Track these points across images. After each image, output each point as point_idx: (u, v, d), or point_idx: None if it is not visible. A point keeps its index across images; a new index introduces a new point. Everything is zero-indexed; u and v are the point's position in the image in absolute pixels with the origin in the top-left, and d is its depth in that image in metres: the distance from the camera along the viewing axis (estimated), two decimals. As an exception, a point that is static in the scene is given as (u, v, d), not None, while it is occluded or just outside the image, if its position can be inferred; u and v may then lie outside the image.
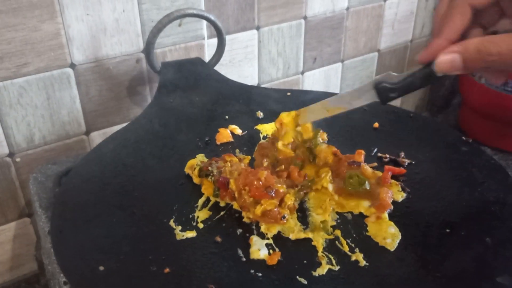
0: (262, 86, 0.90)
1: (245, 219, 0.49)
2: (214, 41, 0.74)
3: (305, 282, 0.42)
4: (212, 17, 0.70)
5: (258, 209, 0.48)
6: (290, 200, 0.49)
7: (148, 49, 0.68)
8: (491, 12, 0.43)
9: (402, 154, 0.58)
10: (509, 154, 1.02)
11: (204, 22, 0.76)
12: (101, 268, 0.42)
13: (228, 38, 0.79)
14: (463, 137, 0.60)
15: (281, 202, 0.49)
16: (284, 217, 0.48)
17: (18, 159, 0.69)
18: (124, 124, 0.66)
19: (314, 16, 0.90)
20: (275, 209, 0.48)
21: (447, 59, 0.40)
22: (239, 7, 0.80)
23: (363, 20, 0.97)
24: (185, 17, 0.70)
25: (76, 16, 0.65)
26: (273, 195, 0.48)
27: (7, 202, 0.71)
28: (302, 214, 0.50)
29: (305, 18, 0.89)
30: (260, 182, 0.49)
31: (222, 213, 0.50)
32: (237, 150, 0.61)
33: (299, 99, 0.71)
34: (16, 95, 0.65)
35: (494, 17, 0.44)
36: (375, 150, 0.60)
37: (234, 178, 0.51)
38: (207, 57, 0.79)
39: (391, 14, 1.01)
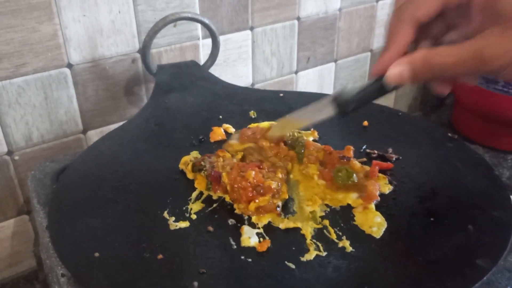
0: (256, 85, 0.92)
1: (236, 211, 0.51)
2: (209, 41, 0.76)
3: (293, 267, 0.43)
4: (206, 21, 0.72)
5: (252, 206, 0.50)
6: (280, 173, 0.52)
7: (145, 52, 0.70)
8: (439, 25, 0.44)
9: (390, 150, 0.60)
10: (501, 152, 1.04)
11: (199, 23, 0.78)
12: (96, 254, 0.44)
13: (222, 38, 0.81)
14: (449, 134, 0.62)
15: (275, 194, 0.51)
16: (278, 206, 0.50)
17: (16, 157, 0.71)
18: (121, 123, 0.68)
19: (307, 17, 0.92)
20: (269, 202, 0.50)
21: (396, 72, 0.42)
22: (233, 8, 0.82)
23: (355, 21, 0.99)
24: (180, 20, 0.72)
25: (73, 18, 0.67)
26: (262, 192, 0.50)
27: (6, 199, 0.72)
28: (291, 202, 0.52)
29: (298, 19, 0.91)
30: (249, 183, 0.50)
31: (214, 205, 0.52)
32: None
33: (291, 100, 0.73)
34: (14, 95, 0.67)
35: (442, 29, 0.45)
36: (364, 147, 0.61)
37: (226, 172, 0.53)
38: (202, 57, 0.81)
39: (383, 14, 1.03)
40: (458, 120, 1.12)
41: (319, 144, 0.60)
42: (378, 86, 0.45)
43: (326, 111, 0.49)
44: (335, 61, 1.01)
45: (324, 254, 0.45)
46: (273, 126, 0.60)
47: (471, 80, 0.46)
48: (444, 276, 0.41)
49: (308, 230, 0.48)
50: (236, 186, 0.51)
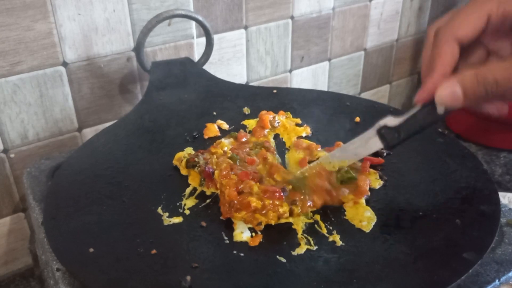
0: (251, 84, 0.92)
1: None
2: (203, 40, 0.77)
3: (284, 261, 0.44)
4: (200, 18, 0.73)
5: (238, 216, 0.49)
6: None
7: (139, 49, 0.71)
8: (478, 51, 0.44)
9: (381, 146, 0.61)
10: (493, 149, 1.05)
11: (193, 22, 0.79)
12: (91, 250, 0.45)
13: (216, 37, 0.82)
14: (439, 129, 0.63)
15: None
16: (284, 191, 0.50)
17: (12, 155, 0.71)
18: (116, 121, 0.68)
19: (301, 16, 0.92)
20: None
21: (448, 93, 0.40)
22: (227, 7, 0.83)
23: (349, 20, 1.00)
24: (174, 17, 0.73)
25: (68, 16, 0.68)
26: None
27: (2, 197, 0.73)
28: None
29: (292, 18, 0.91)
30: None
31: (208, 200, 0.53)
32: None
33: (284, 96, 0.74)
34: (10, 93, 0.67)
35: (482, 56, 0.44)
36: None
37: (219, 170, 0.53)
38: (196, 56, 0.81)
39: (376, 14, 1.04)
40: (451, 118, 1.13)
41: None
42: (426, 112, 0.43)
43: (370, 145, 0.48)
44: (329, 60, 1.02)
45: (315, 248, 0.46)
46: (320, 163, 0.54)
47: None
48: (432, 269, 0.42)
49: (299, 225, 0.48)
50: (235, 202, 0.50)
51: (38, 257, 0.66)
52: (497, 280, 0.47)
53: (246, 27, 0.86)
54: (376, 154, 0.60)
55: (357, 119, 0.67)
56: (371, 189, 0.53)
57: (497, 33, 0.42)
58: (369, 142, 0.47)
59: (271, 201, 0.48)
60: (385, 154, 0.59)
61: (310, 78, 1.01)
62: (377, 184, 0.54)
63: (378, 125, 0.46)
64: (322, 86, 1.04)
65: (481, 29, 0.41)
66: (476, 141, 1.06)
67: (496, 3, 0.40)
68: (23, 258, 0.79)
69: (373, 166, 0.57)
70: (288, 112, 0.68)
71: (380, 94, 1.17)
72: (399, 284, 0.42)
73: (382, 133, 0.46)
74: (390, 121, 0.45)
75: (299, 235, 0.47)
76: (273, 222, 0.48)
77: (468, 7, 0.42)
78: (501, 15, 0.40)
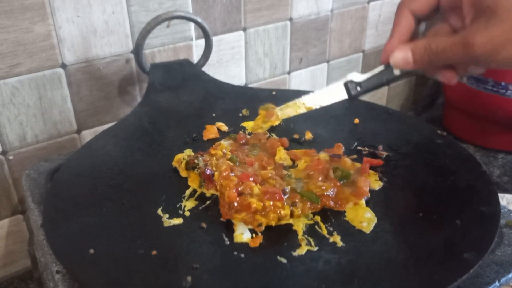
0: (249, 86, 0.92)
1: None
2: (202, 42, 0.77)
3: (285, 261, 0.44)
4: (198, 19, 0.73)
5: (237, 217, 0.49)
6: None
7: (137, 50, 0.71)
8: (442, 24, 0.49)
9: (381, 147, 0.61)
10: (491, 151, 1.06)
11: (192, 24, 0.79)
12: (91, 251, 0.44)
13: (215, 39, 0.82)
14: (438, 131, 0.63)
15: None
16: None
17: (11, 157, 0.71)
18: (115, 123, 0.68)
19: (299, 18, 0.93)
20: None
21: (400, 56, 0.47)
22: (225, 9, 0.83)
23: (347, 22, 1.01)
24: (173, 19, 0.73)
25: (67, 18, 0.68)
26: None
27: (0, 199, 0.73)
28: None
29: (290, 19, 0.92)
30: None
31: (208, 202, 0.53)
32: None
33: (283, 98, 0.74)
34: (8, 95, 0.67)
35: (447, 29, 0.49)
36: (355, 144, 0.62)
37: (219, 171, 0.53)
38: (195, 58, 0.82)
39: (374, 15, 1.05)
40: (449, 119, 1.14)
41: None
42: (385, 72, 0.50)
43: (337, 95, 0.53)
44: (328, 61, 1.02)
45: (315, 249, 0.46)
46: (284, 107, 0.60)
47: (463, 70, 0.48)
48: (432, 269, 0.42)
49: (300, 226, 0.48)
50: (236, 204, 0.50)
51: (37, 259, 0.66)
52: (497, 282, 0.47)
53: (244, 29, 0.87)
54: (375, 155, 0.60)
55: (356, 120, 0.67)
56: (371, 191, 0.53)
57: (452, 9, 0.47)
58: (335, 92, 0.53)
59: (271, 203, 0.48)
60: (384, 156, 0.59)
61: (309, 79, 1.01)
62: (377, 185, 0.54)
63: (345, 78, 0.52)
64: (321, 87, 1.04)
65: (434, 5, 0.48)
66: (474, 142, 1.07)
67: None
68: (21, 261, 0.78)
69: (372, 168, 0.57)
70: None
71: (378, 96, 1.18)
72: (399, 285, 0.42)
73: (347, 86, 0.52)
74: (356, 76, 0.52)
75: (300, 236, 0.47)
76: (273, 223, 0.48)
77: None
78: None
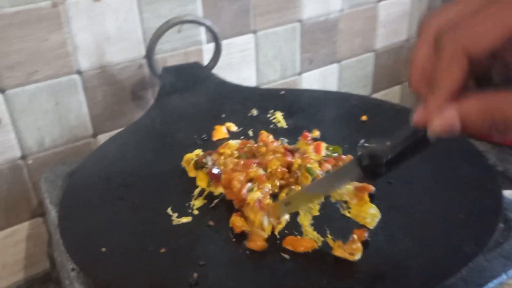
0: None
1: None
2: (212, 46, 0.78)
3: (288, 257, 0.45)
4: (208, 23, 0.75)
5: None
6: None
7: (149, 55, 0.73)
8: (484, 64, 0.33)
9: (388, 143, 0.61)
10: (508, 148, 1.04)
11: (202, 28, 0.80)
12: (103, 249, 0.46)
13: (225, 42, 0.84)
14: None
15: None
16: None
17: (30, 162, 0.74)
18: (128, 125, 0.70)
19: (308, 19, 0.94)
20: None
21: (445, 123, 0.33)
22: (235, 13, 0.84)
23: (357, 22, 1.01)
24: (183, 23, 0.75)
25: (81, 26, 0.70)
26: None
27: (20, 202, 0.75)
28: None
29: (300, 21, 0.93)
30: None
31: (216, 201, 0.54)
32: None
33: (292, 97, 0.75)
34: (27, 101, 0.70)
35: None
36: (362, 141, 0.63)
37: (226, 170, 0.55)
38: (205, 62, 0.83)
39: (384, 14, 1.05)
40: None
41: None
42: (418, 139, 0.37)
43: (351, 176, 0.42)
44: (338, 62, 1.03)
45: (320, 245, 0.47)
46: (288, 199, 0.50)
47: None
48: (432, 262, 0.43)
49: (305, 222, 0.49)
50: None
51: (55, 259, 0.68)
52: (503, 274, 0.47)
53: (254, 32, 0.88)
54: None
55: (364, 117, 0.68)
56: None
57: None
58: (348, 173, 0.42)
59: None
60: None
61: (320, 80, 1.02)
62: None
63: (360, 155, 0.40)
64: (332, 88, 1.05)
65: (499, 43, 0.31)
66: (490, 139, 1.05)
67: None
68: (41, 263, 0.80)
69: (378, 164, 0.57)
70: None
71: (391, 95, 1.17)
72: (402, 279, 0.42)
73: (364, 166, 0.39)
74: (374, 150, 0.39)
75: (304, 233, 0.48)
76: (280, 227, 0.49)
77: (481, 11, 0.31)
78: None
